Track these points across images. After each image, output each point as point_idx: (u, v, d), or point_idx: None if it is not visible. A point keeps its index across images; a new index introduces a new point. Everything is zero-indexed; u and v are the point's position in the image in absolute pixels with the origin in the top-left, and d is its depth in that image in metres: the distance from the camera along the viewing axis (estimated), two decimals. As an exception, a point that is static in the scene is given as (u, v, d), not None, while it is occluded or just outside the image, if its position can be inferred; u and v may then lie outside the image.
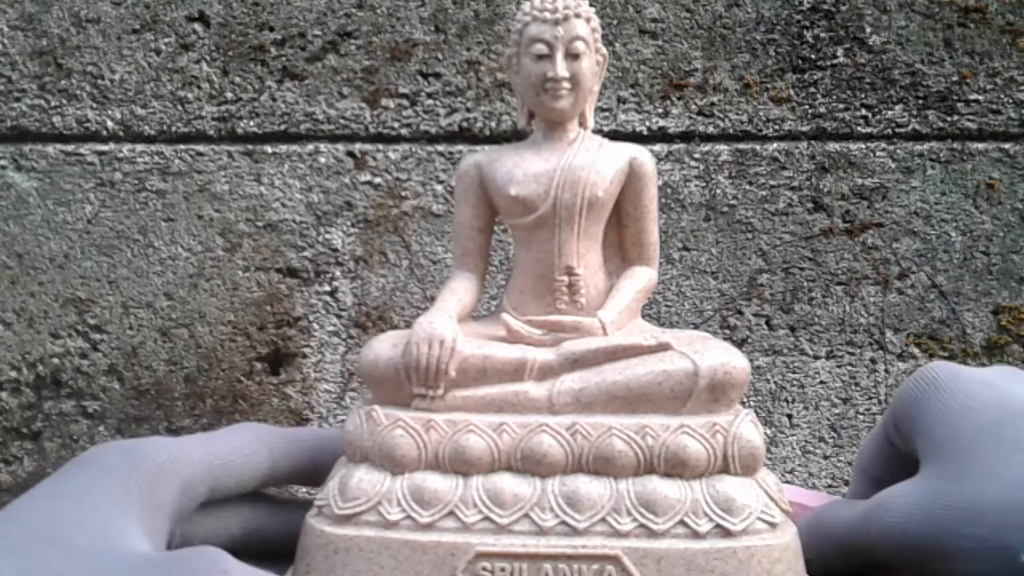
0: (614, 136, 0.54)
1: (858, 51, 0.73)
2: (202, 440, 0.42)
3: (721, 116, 0.73)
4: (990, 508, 0.33)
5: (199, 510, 0.41)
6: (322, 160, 0.73)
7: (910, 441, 0.41)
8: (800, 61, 0.73)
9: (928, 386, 0.41)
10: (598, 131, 0.54)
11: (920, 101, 0.73)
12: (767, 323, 0.73)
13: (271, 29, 0.73)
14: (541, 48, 0.49)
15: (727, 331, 0.73)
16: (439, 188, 0.73)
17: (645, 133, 0.73)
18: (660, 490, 0.43)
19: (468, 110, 0.73)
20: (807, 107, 0.73)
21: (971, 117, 0.73)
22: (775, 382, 0.73)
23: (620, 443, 0.43)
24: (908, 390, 0.43)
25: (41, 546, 0.30)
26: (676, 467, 0.43)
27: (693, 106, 0.73)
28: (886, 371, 0.73)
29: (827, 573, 0.45)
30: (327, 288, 0.73)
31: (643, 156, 0.51)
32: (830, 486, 0.73)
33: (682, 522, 0.42)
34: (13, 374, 0.73)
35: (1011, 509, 0.33)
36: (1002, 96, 0.72)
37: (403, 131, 0.73)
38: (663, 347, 0.46)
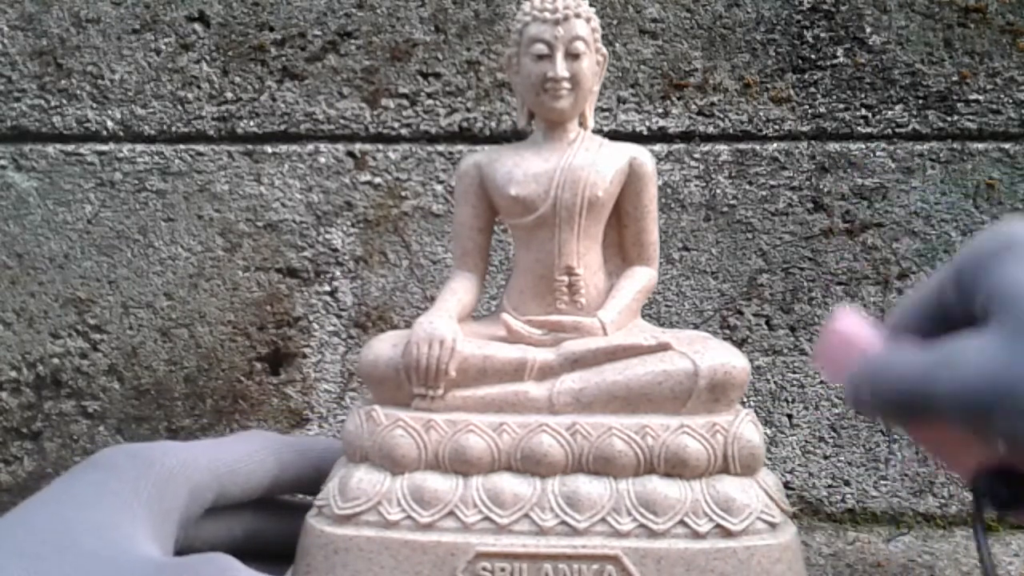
0: (614, 136, 0.54)
1: (858, 51, 0.73)
2: (210, 446, 0.42)
3: (721, 116, 0.73)
4: None
5: (204, 514, 0.41)
6: (322, 160, 0.73)
7: (973, 301, 0.40)
8: (800, 61, 0.73)
9: (1007, 245, 0.40)
10: (598, 131, 0.54)
11: (920, 101, 0.73)
12: (767, 323, 0.73)
13: (271, 29, 0.73)
14: (541, 48, 0.49)
15: (727, 331, 0.73)
16: (439, 188, 0.73)
17: (645, 133, 0.73)
18: (660, 490, 0.43)
19: (468, 110, 0.73)
20: (807, 107, 0.73)
21: (971, 117, 0.73)
22: (775, 382, 0.73)
23: (620, 443, 0.43)
24: (983, 248, 0.41)
25: (52, 550, 0.30)
26: (676, 467, 0.43)
27: (693, 106, 0.73)
28: (886, 371, 0.73)
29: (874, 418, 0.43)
30: (327, 288, 0.73)
31: (643, 156, 0.51)
32: (830, 486, 0.73)
33: (682, 522, 0.42)
34: (13, 374, 0.73)
35: None
36: (1002, 96, 0.72)
37: (403, 131, 0.74)
38: (663, 347, 0.46)
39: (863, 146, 0.73)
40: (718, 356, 0.45)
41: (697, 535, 0.41)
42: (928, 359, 0.40)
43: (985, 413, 0.35)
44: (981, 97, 0.72)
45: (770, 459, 0.73)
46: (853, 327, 0.50)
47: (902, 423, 0.41)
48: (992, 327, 0.38)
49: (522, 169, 0.50)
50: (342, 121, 0.73)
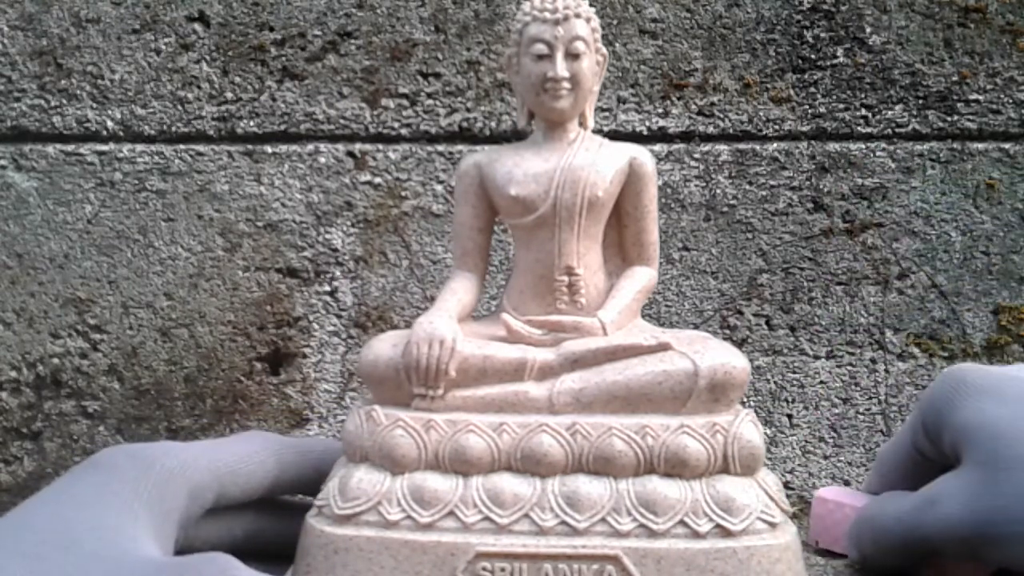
0: (614, 136, 0.54)
1: (858, 51, 0.73)
2: (210, 447, 0.42)
3: (721, 116, 0.73)
4: None
5: (204, 515, 0.41)
6: (322, 160, 0.73)
7: (942, 442, 0.43)
8: (800, 61, 0.73)
9: (958, 386, 0.43)
10: (598, 131, 0.54)
11: (920, 101, 0.73)
12: (767, 323, 0.73)
13: (271, 29, 0.73)
14: (541, 48, 0.49)
15: (727, 331, 0.73)
16: (439, 188, 0.73)
17: (645, 133, 0.73)
18: (660, 490, 0.43)
19: (468, 110, 0.73)
20: (807, 107, 0.73)
21: (971, 117, 0.73)
22: (775, 382, 0.73)
23: (620, 443, 0.43)
24: (937, 393, 0.44)
25: (52, 550, 0.30)
26: (676, 467, 0.43)
27: (693, 106, 0.73)
28: (886, 371, 0.73)
29: (882, 567, 0.47)
30: (327, 288, 0.73)
31: (643, 156, 0.51)
32: (830, 486, 0.73)
33: (682, 522, 0.42)
34: (13, 374, 0.73)
35: None
36: (1002, 96, 0.72)
37: (403, 131, 0.74)
38: (663, 347, 0.46)
39: (863, 146, 0.73)
40: (718, 356, 0.45)
41: (697, 535, 0.42)
42: (915, 501, 0.44)
43: (972, 543, 0.38)
44: (981, 97, 0.72)
45: (770, 459, 0.73)
46: (840, 494, 0.54)
47: (904, 562, 0.44)
48: (965, 465, 0.40)
49: (522, 169, 0.50)
50: (342, 121, 0.73)
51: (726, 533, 0.42)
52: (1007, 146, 0.72)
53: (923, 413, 0.45)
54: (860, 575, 0.50)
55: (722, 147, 0.73)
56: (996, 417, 0.38)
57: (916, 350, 0.73)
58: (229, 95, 0.73)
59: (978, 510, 0.37)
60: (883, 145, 0.73)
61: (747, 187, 0.73)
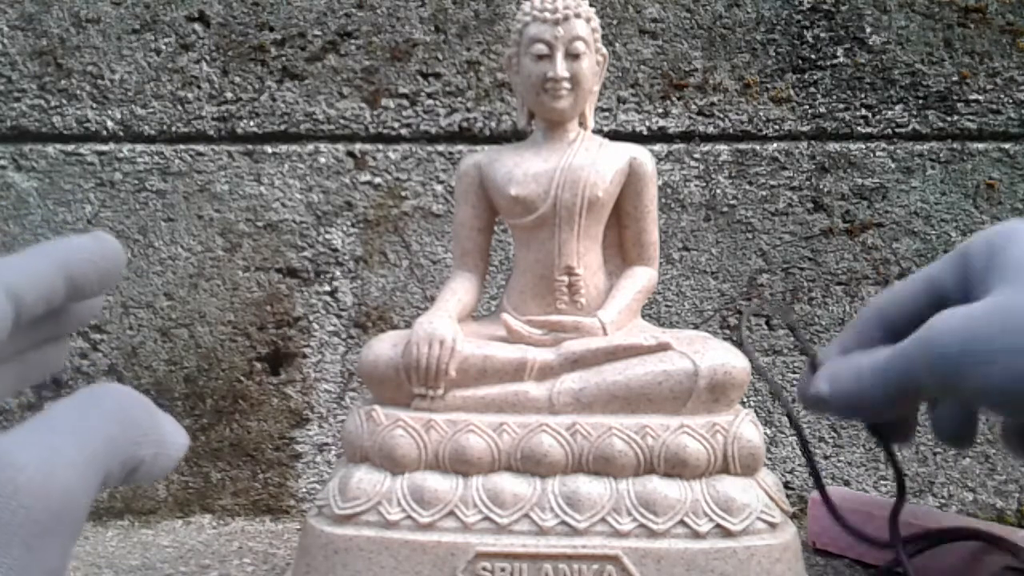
0: (614, 136, 0.54)
1: (858, 51, 0.73)
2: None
3: (721, 116, 0.73)
4: None
5: None
6: (322, 160, 0.73)
7: (978, 282, 0.38)
8: (800, 61, 0.73)
9: (1012, 235, 0.39)
10: (598, 131, 0.54)
11: (920, 101, 0.73)
12: (767, 323, 0.73)
13: (271, 29, 0.73)
14: (541, 48, 0.49)
15: (727, 331, 0.73)
16: (439, 188, 0.73)
17: (645, 133, 0.73)
18: (660, 490, 0.43)
19: (468, 110, 0.73)
20: (807, 107, 0.73)
21: (971, 117, 0.73)
22: (775, 382, 0.73)
23: (620, 443, 0.43)
24: (991, 235, 0.40)
25: None
26: (676, 467, 0.43)
27: (693, 106, 0.73)
28: (886, 371, 0.73)
29: (852, 412, 0.42)
30: (327, 288, 0.73)
31: (643, 156, 0.51)
32: (830, 486, 0.73)
33: (682, 522, 0.42)
34: (13, 374, 0.73)
35: None
36: (1002, 96, 0.72)
37: (403, 131, 0.73)
38: (663, 347, 0.46)
39: (863, 146, 0.73)
40: (718, 356, 0.45)
41: (697, 535, 0.42)
42: (901, 343, 0.38)
43: (977, 369, 0.32)
44: (981, 97, 0.72)
45: (770, 459, 0.73)
46: (838, 495, 0.51)
47: (883, 404, 0.39)
48: (996, 288, 0.35)
49: (522, 169, 0.50)
50: (342, 121, 0.73)
51: (726, 533, 0.42)
52: (1007, 146, 0.72)
53: (970, 250, 0.40)
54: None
55: (722, 147, 0.73)
56: None
57: (916, 350, 0.72)
58: (229, 95, 0.73)
59: (983, 331, 0.32)
60: (883, 145, 0.73)
61: (747, 187, 0.73)
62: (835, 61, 0.73)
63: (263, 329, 0.73)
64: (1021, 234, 0.38)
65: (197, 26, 0.73)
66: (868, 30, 0.73)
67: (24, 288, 0.28)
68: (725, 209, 0.73)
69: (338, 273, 0.73)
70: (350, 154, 0.73)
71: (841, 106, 0.73)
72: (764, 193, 0.73)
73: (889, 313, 0.44)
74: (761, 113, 0.73)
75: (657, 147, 0.72)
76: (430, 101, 0.73)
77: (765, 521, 0.42)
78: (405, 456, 0.44)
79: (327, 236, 0.73)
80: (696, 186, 0.73)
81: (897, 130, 0.73)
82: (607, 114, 0.73)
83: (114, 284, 0.32)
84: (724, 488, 0.43)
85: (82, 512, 0.24)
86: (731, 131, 0.73)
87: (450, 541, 0.42)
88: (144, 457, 0.27)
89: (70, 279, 0.30)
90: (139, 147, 0.73)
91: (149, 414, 0.27)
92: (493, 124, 0.73)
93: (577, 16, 0.49)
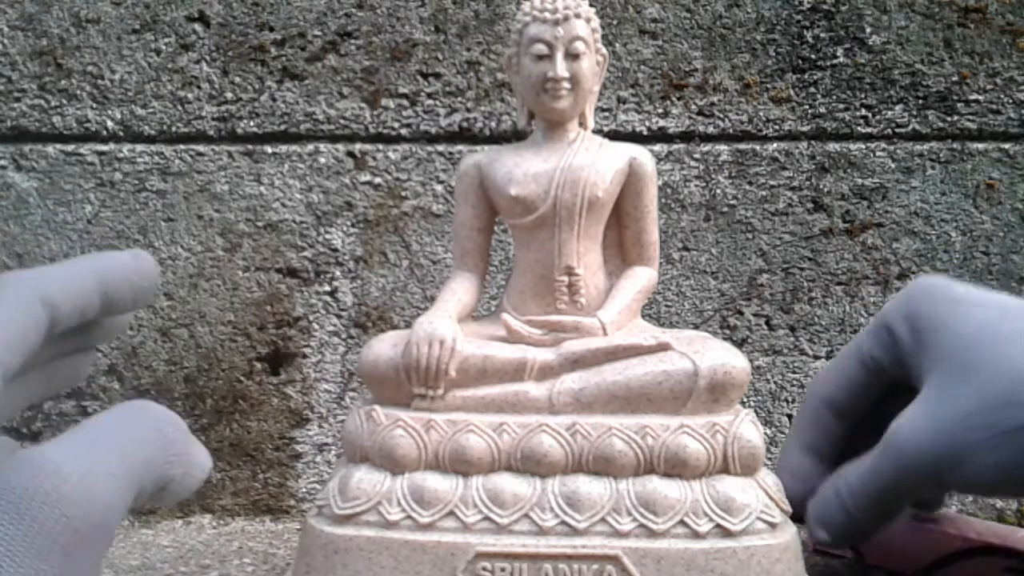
0: (614, 136, 0.54)
1: (858, 51, 0.73)
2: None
3: (721, 116, 0.73)
4: (1001, 397, 0.32)
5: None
6: (322, 160, 0.73)
7: (908, 353, 0.39)
8: (800, 61, 0.73)
9: (934, 290, 0.40)
10: (598, 131, 0.54)
11: (920, 101, 0.73)
12: (767, 323, 0.73)
13: (271, 29, 0.73)
14: (541, 48, 0.49)
15: (727, 331, 0.73)
16: (439, 188, 0.73)
17: (645, 133, 0.73)
18: (660, 490, 0.43)
19: (468, 110, 0.73)
20: (807, 107, 0.73)
21: (971, 117, 0.73)
22: (775, 382, 0.73)
23: (620, 443, 0.43)
24: (913, 294, 0.41)
25: None
26: (676, 467, 0.43)
27: (693, 106, 0.73)
28: (886, 371, 0.73)
29: (855, 536, 0.44)
30: (327, 288, 0.73)
31: (643, 156, 0.51)
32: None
33: (682, 522, 0.42)
34: (13, 374, 0.73)
35: (1021, 389, 0.32)
36: (1002, 96, 0.72)
37: (403, 131, 0.74)
38: (663, 347, 0.46)
39: (863, 146, 0.73)
40: (718, 356, 0.45)
41: (697, 535, 0.42)
42: (878, 448, 0.40)
43: (939, 465, 0.35)
44: (981, 97, 0.72)
45: (770, 459, 0.72)
46: None
47: (881, 521, 0.42)
48: (925, 385, 0.37)
49: (522, 169, 0.50)
50: (342, 121, 0.73)
51: (726, 533, 0.42)
52: (1007, 146, 0.72)
53: (889, 319, 0.41)
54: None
55: (722, 147, 0.73)
56: (956, 333, 0.36)
57: (916, 350, 0.72)
58: (229, 95, 0.73)
59: (942, 432, 0.34)
60: (883, 145, 0.73)
61: (747, 187, 0.73)
62: (835, 61, 0.73)
63: (263, 329, 0.73)
64: (939, 308, 0.40)
65: (197, 26, 0.73)
66: (868, 30, 0.73)
67: (60, 299, 0.29)
68: (725, 209, 0.73)
69: (338, 273, 0.73)
70: (350, 154, 0.73)
71: (841, 106, 0.73)
72: (764, 193, 0.73)
73: (835, 399, 0.48)
74: (761, 113, 0.73)
75: (657, 147, 0.72)
76: (430, 101, 0.73)
77: (765, 521, 0.42)
78: (405, 456, 0.44)
79: (327, 236, 0.73)
80: (696, 186, 0.73)
81: (897, 130, 0.73)
82: (607, 114, 0.73)
83: (148, 303, 0.34)
84: (724, 488, 0.43)
85: (116, 525, 0.24)
86: (731, 131, 0.73)
87: (450, 541, 0.42)
88: (174, 476, 0.27)
89: (106, 294, 0.31)
90: (139, 147, 0.73)
91: (182, 434, 0.28)
92: (493, 124, 0.73)
93: (577, 16, 0.49)
